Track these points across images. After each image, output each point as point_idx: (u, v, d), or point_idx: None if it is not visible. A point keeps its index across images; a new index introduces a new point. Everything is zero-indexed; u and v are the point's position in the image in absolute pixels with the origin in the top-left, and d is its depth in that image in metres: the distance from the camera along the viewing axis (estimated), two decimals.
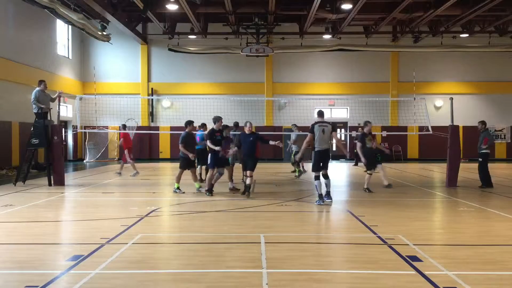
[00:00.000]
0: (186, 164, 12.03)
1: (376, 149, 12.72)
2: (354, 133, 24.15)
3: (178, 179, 12.11)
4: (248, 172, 11.29)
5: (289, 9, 22.87)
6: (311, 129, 10.47)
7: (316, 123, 10.53)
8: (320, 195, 10.25)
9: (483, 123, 13.69)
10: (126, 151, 17.05)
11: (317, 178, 10.41)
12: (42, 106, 13.78)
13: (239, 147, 12.02)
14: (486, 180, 13.29)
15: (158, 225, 8.27)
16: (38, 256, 5.98)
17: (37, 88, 13.89)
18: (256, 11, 22.52)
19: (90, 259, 5.69)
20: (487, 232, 7.53)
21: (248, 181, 11.28)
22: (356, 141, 12.67)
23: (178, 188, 12.00)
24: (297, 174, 16.45)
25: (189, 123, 12.30)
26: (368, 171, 12.47)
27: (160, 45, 27.10)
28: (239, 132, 12.58)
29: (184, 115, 24.14)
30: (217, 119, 11.74)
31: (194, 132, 13.03)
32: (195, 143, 12.52)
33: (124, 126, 17.72)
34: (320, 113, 10.75)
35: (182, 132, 12.31)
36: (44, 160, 14.92)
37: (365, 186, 12.40)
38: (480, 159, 13.39)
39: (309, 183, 15.04)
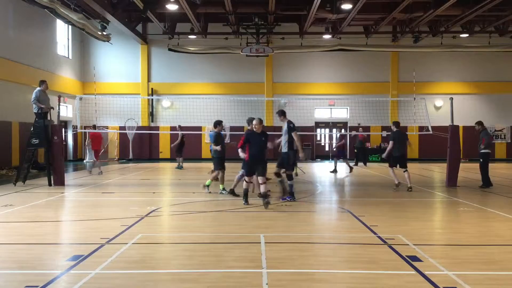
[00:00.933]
0: (221, 164, 11.92)
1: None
2: (354, 133, 24.15)
3: (222, 180, 11.93)
4: (260, 179, 9.92)
5: (289, 9, 22.86)
6: (293, 128, 10.49)
7: (291, 122, 10.62)
8: (293, 193, 10.65)
9: (479, 123, 13.68)
10: (93, 152, 17.39)
11: (292, 177, 10.78)
12: (42, 106, 13.77)
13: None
14: (485, 180, 13.30)
15: (158, 225, 8.26)
16: (38, 256, 5.97)
17: (38, 88, 13.89)
18: (256, 11, 22.52)
19: (90, 259, 5.68)
20: (487, 232, 7.52)
21: (262, 188, 9.84)
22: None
23: (224, 189, 11.76)
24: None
25: (219, 123, 12.17)
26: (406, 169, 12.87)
27: (160, 45, 27.09)
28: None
29: (184, 115, 24.26)
30: (250, 120, 11.17)
31: (209, 132, 12.93)
32: (223, 142, 12.32)
33: (94, 126, 17.88)
34: (285, 113, 10.91)
35: (181, 132, 12.24)
36: (44, 160, 14.92)
37: (409, 185, 12.64)
38: (481, 159, 13.40)
39: (309, 183, 15.05)
